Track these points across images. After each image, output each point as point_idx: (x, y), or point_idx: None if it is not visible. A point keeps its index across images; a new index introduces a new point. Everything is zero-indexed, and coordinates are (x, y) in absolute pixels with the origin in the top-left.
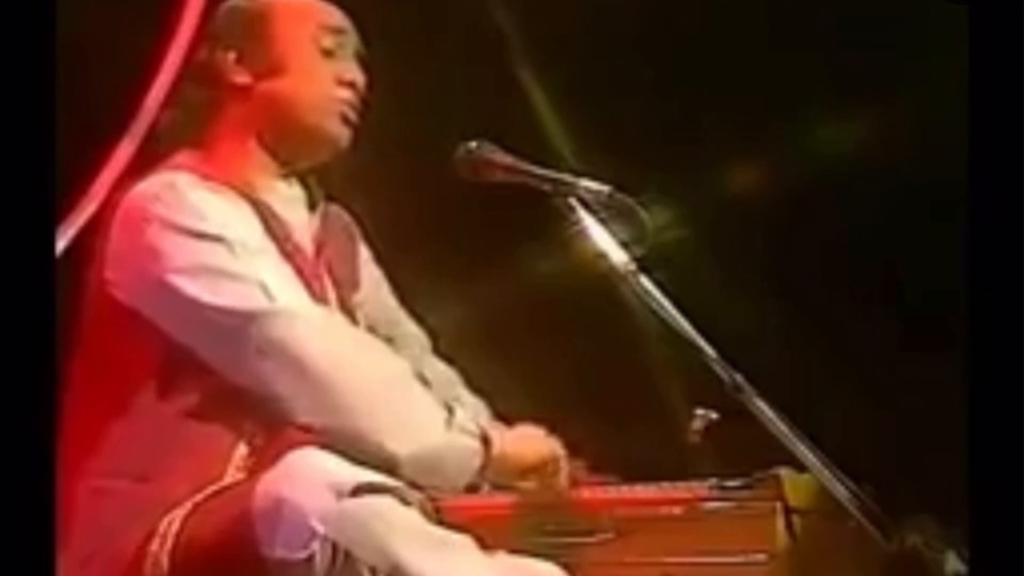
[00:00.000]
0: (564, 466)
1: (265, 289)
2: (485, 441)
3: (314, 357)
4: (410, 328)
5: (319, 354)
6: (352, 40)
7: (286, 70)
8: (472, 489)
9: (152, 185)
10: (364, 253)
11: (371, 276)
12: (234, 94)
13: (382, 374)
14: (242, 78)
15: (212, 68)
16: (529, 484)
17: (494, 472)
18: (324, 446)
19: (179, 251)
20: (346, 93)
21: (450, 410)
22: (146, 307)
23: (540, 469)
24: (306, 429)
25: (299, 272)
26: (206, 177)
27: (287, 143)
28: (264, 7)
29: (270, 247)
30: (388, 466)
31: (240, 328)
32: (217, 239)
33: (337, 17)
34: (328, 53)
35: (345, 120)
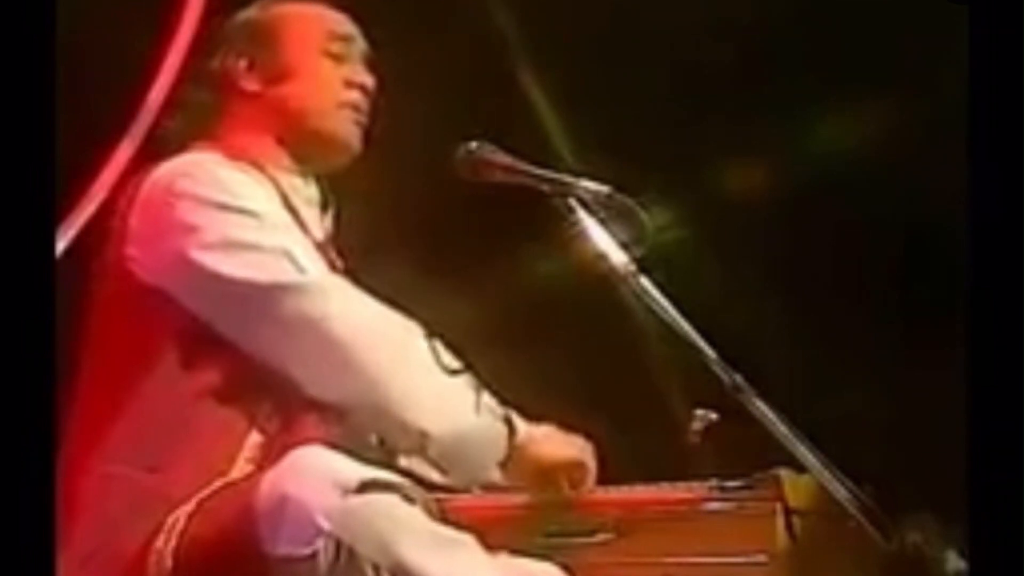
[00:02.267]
0: (591, 474)
1: (295, 261)
2: (509, 424)
3: (346, 330)
4: None
5: (351, 327)
6: (359, 46)
7: (295, 76)
8: (453, 489)
9: (179, 164)
10: None
11: None
12: (244, 99)
13: (413, 352)
14: (252, 85)
15: (223, 75)
16: (552, 486)
17: (517, 465)
18: (333, 444)
19: (210, 225)
20: (355, 95)
21: (478, 394)
22: (170, 282)
23: (565, 471)
24: (329, 406)
25: (321, 256)
26: (230, 157)
27: (300, 146)
28: (274, 17)
29: (294, 226)
30: (417, 445)
31: (271, 301)
32: (247, 212)
33: (344, 24)
34: (336, 58)
35: (356, 123)
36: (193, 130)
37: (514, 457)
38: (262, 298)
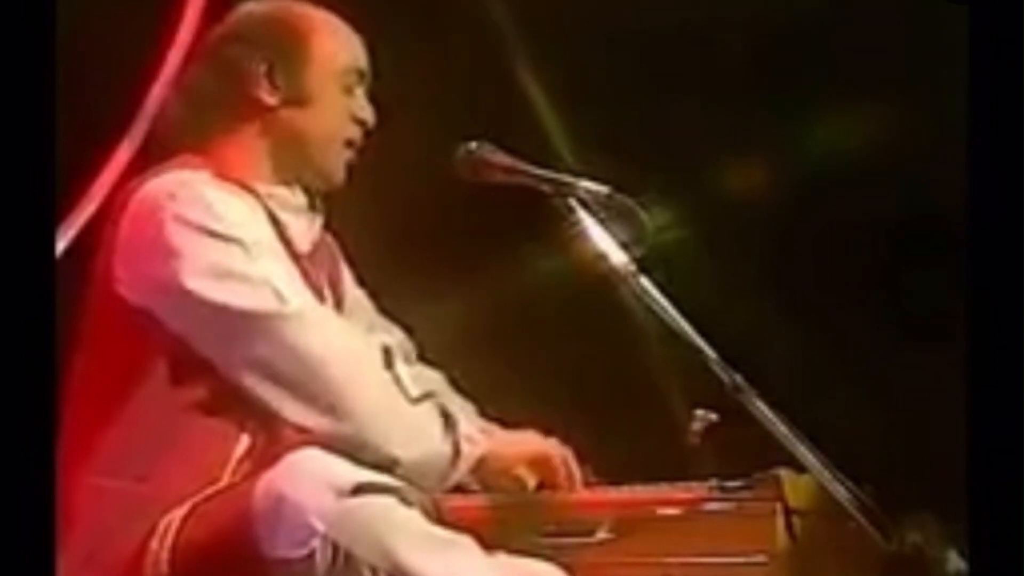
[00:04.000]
0: (574, 468)
1: (277, 292)
2: (469, 442)
3: (323, 360)
4: (391, 338)
5: (327, 357)
6: (368, 77)
7: (312, 102)
8: (460, 489)
9: (166, 183)
10: (347, 274)
11: (353, 296)
12: (255, 107)
13: (385, 382)
14: (270, 98)
15: (240, 72)
16: (527, 482)
17: (480, 471)
18: (324, 447)
19: (195, 250)
20: (356, 132)
21: (446, 417)
22: (155, 304)
23: (529, 467)
24: (307, 431)
25: (304, 276)
26: (218, 176)
27: (293, 168)
28: (302, 27)
29: (280, 249)
30: (390, 469)
31: (251, 329)
32: (232, 239)
33: (363, 58)
34: (348, 90)
35: (348, 160)
36: (188, 132)
37: (481, 466)
38: (244, 326)
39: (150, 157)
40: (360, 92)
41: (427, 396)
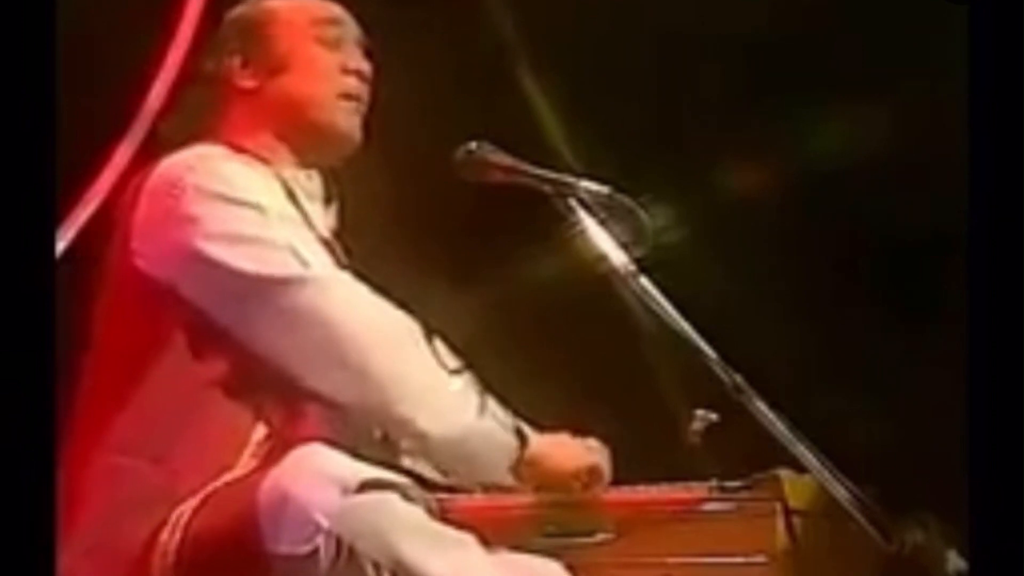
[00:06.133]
0: (605, 476)
1: (298, 255)
2: (520, 436)
3: (347, 325)
4: None
5: (352, 322)
6: (351, 29)
7: (289, 68)
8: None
9: (185, 157)
10: None
11: None
12: (242, 97)
13: (414, 350)
14: (248, 82)
15: (218, 74)
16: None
17: (528, 472)
18: (336, 442)
19: (214, 217)
20: (352, 81)
21: (482, 397)
22: (176, 275)
23: (579, 477)
24: (330, 403)
25: (327, 252)
26: (235, 150)
27: (300, 139)
28: (263, 12)
29: (300, 220)
30: (418, 445)
31: (273, 294)
32: (251, 206)
33: (332, 9)
34: (329, 44)
35: (355, 112)
36: (193, 128)
37: (527, 465)
38: (264, 291)
39: (154, 156)
40: (347, 45)
41: (460, 371)
